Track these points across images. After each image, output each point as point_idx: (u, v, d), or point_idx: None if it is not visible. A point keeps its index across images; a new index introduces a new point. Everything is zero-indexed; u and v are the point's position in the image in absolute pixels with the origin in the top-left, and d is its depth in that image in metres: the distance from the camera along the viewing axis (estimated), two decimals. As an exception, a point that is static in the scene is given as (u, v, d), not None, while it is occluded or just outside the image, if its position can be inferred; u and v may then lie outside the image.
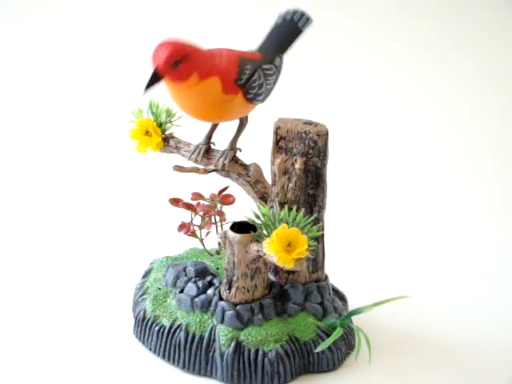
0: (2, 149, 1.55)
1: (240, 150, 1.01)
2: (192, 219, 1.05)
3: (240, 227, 0.97)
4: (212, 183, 1.09)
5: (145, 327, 1.03)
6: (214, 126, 1.02)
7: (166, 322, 1.01)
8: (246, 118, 1.00)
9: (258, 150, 1.10)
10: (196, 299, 1.01)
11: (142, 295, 1.07)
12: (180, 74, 0.90)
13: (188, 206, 1.05)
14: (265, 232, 0.93)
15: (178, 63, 0.90)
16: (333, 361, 1.00)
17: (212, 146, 1.02)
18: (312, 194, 0.99)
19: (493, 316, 1.13)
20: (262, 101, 0.99)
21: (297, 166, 0.98)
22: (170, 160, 1.04)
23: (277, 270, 1.02)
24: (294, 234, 0.90)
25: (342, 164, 1.42)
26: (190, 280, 1.03)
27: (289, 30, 1.03)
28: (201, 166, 1.02)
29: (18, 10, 1.78)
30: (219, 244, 0.99)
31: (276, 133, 0.98)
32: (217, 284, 1.02)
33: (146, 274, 1.11)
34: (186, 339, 0.99)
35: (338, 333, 0.99)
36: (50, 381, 0.98)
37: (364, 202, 1.44)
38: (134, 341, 1.05)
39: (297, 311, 1.01)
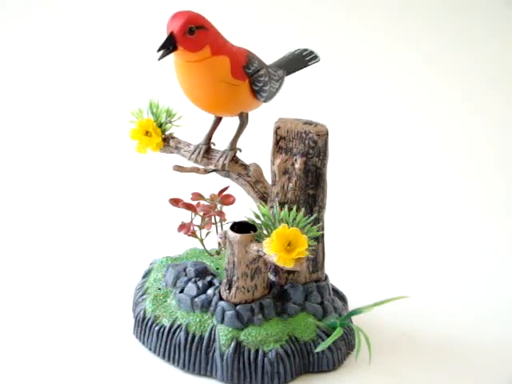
0: (2, 149, 1.55)
1: (240, 150, 1.01)
2: (192, 219, 1.05)
3: (240, 227, 0.97)
4: (212, 183, 1.09)
5: (145, 327, 1.03)
6: (215, 126, 1.02)
7: (166, 322, 1.01)
8: (247, 117, 1.00)
9: (258, 149, 1.10)
10: (196, 299, 1.01)
11: (142, 295, 1.07)
12: (194, 43, 0.90)
13: (188, 206, 1.05)
14: (265, 232, 0.93)
15: (194, 31, 0.89)
16: (333, 361, 1.00)
17: (212, 146, 1.02)
18: (312, 194, 0.99)
19: (493, 316, 1.13)
20: (265, 100, 0.99)
21: (297, 165, 0.98)
22: (170, 160, 1.04)
23: (277, 269, 1.02)
24: (294, 234, 0.90)
25: (342, 164, 1.42)
26: (190, 280, 1.03)
27: (296, 59, 1.06)
28: (201, 166, 1.02)
29: (18, 10, 1.78)
30: (219, 244, 0.99)
31: (276, 133, 0.98)
32: (217, 284, 1.02)
33: (146, 274, 1.12)
34: (186, 339, 0.99)
35: (337, 333, 0.99)
36: (50, 381, 0.98)
37: (364, 202, 1.44)
38: (134, 341, 1.05)
39: (297, 311, 1.01)
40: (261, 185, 1.02)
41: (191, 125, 1.04)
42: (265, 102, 0.99)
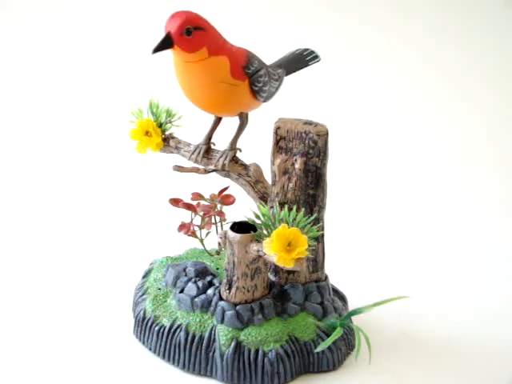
0: (2, 149, 1.55)
1: (240, 150, 1.01)
2: (192, 219, 1.05)
3: (240, 227, 0.97)
4: (212, 183, 1.09)
5: (145, 327, 1.03)
6: (214, 126, 1.02)
7: (166, 322, 1.01)
8: (246, 117, 1.00)
9: (258, 149, 1.10)
10: (196, 299, 1.01)
11: (142, 295, 1.07)
12: (191, 44, 0.90)
13: (188, 206, 1.05)
14: (265, 232, 0.93)
15: (191, 31, 0.89)
16: (333, 361, 1.00)
17: (212, 146, 1.02)
18: (312, 194, 0.99)
19: (493, 316, 1.13)
20: (265, 100, 0.99)
21: (297, 166, 0.98)
22: (170, 160, 1.04)
23: (277, 269, 1.02)
24: (294, 234, 0.90)
25: (342, 164, 1.42)
26: (190, 280, 1.03)
27: (297, 59, 1.06)
28: (201, 166, 1.02)
29: (18, 10, 1.78)
30: (219, 244, 0.99)
31: (276, 133, 0.98)
32: (217, 284, 1.02)
33: (146, 274, 1.11)
34: (186, 339, 0.99)
35: (337, 333, 0.99)
36: (50, 381, 0.98)
37: (364, 202, 1.44)
38: (134, 341, 1.05)
39: (297, 311, 1.01)
40: (261, 185, 1.02)
41: (191, 125, 1.04)
42: (264, 101, 0.99)
